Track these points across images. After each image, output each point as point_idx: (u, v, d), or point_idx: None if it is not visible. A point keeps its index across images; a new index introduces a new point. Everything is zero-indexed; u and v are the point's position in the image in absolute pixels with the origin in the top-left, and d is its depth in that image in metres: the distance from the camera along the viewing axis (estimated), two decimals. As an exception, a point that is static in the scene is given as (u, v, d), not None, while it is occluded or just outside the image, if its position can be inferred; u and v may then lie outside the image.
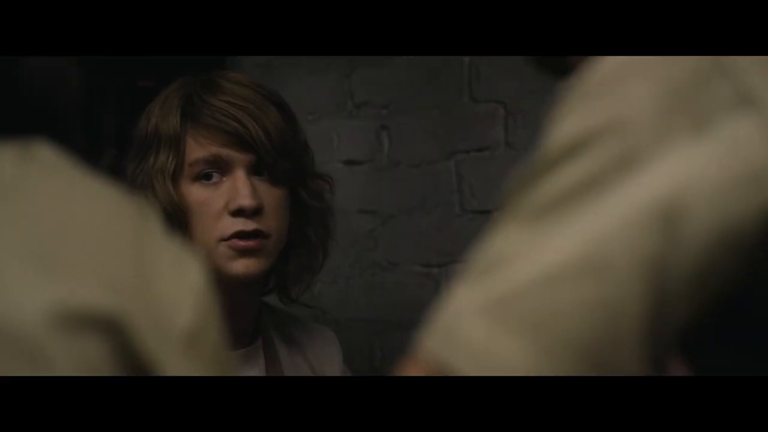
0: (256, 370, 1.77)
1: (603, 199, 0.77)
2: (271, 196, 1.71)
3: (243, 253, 1.68)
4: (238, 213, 1.67)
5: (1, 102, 0.91)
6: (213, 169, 1.70)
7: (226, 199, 1.68)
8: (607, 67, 0.81)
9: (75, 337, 0.83)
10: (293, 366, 1.81)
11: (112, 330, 0.83)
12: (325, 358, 1.85)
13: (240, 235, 1.67)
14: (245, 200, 1.67)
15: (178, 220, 1.66)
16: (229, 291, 1.63)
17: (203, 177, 1.70)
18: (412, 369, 0.80)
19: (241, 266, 1.68)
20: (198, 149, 1.70)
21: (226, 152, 1.69)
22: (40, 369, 0.82)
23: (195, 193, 1.70)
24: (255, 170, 1.70)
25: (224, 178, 1.70)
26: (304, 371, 1.81)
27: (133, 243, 0.87)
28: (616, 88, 0.79)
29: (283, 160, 1.70)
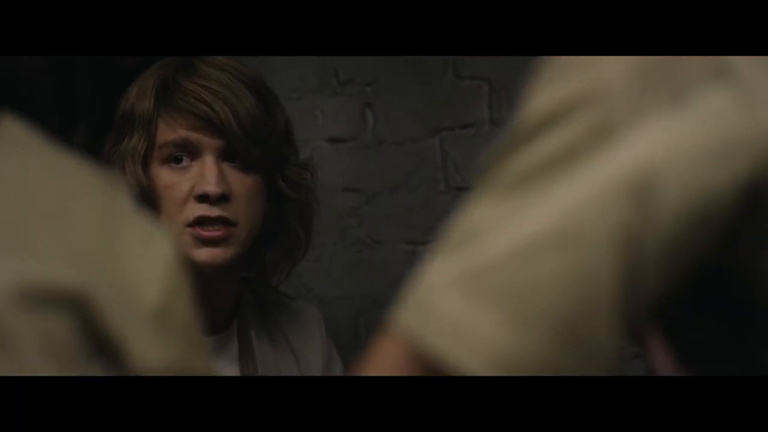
0: (228, 355, 1.75)
1: (577, 171, 0.76)
2: (241, 183, 1.68)
3: (206, 242, 1.66)
4: (203, 199, 1.65)
5: None
6: (182, 153, 1.67)
7: (193, 183, 1.66)
8: (584, 40, 0.81)
9: (39, 314, 0.81)
10: (271, 349, 1.79)
11: (77, 306, 0.82)
12: (305, 336, 1.83)
13: (202, 221, 1.65)
14: (210, 186, 1.64)
15: (147, 203, 1.65)
16: (199, 278, 1.61)
17: (172, 160, 1.68)
18: (386, 344, 0.80)
19: (204, 255, 1.66)
20: (168, 132, 1.68)
21: (195, 136, 1.66)
22: (4, 348, 0.81)
23: (163, 176, 1.68)
24: (226, 156, 1.68)
25: (193, 163, 1.67)
26: (283, 352, 1.80)
27: (100, 218, 0.86)
28: (592, 61, 0.79)
29: (255, 147, 1.67)
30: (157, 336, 0.86)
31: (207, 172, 1.65)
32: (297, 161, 1.78)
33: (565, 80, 0.79)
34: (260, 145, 1.68)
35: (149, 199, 1.66)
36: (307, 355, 1.82)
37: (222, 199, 1.65)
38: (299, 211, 1.76)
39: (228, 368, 1.74)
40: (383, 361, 0.80)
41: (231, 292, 1.76)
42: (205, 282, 1.65)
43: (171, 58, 1.73)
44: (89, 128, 1.62)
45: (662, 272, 0.77)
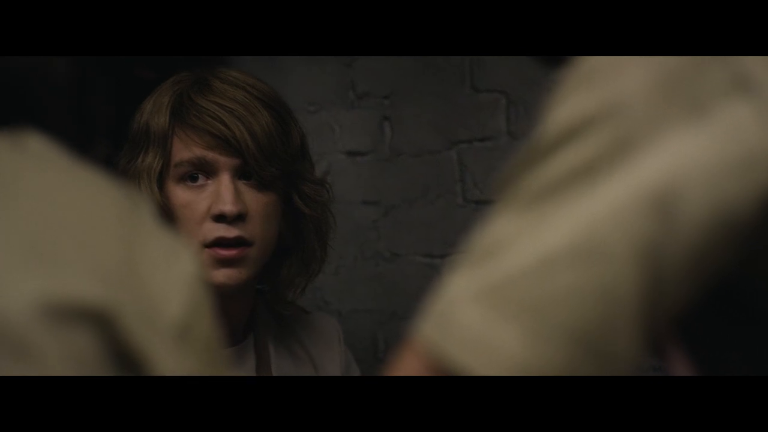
0: (245, 368, 1.75)
1: (598, 185, 0.76)
2: (257, 201, 1.68)
3: (224, 262, 1.65)
4: (220, 218, 1.65)
5: None
6: (198, 172, 1.67)
7: (209, 203, 1.66)
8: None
9: (63, 330, 0.82)
10: (289, 360, 1.79)
11: (101, 321, 0.82)
12: (324, 347, 1.83)
13: (221, 242, 1.65)
14: (226, 206, 1.64)
15: (163, 221, 1.64)
16: (215, 296, 1.59)
17: (188, 179, 1.67)
18: (408, 357, 0.80)
19: (221, 276, 1.66)
20: (183, 150, 1.67)
21: (211, 155, 1.66)
22: (28, 363, 0.81)
23: (179, 194, 1.67)
24: (242, 174, 1.68)
25: (209, 181, 1.67)
26: (302, 363, 1.80)
27: (123, 234, 0.86)
28: (612, 74, 0.79)
29: (270, 165, 1.67)
30: (180, 351, 0.86)
31: (223, 192, 1.65)
32: (313, 177, 1.77)
33: (585, 94, 0.79)
34: (276, 163, 1.67)
35: (164, 217, 1.65)
36: (326, 365, 1.82)
37: (239, 218, 1.65)
38: (315, 227, 1.76)
39: (245, 381, 1.74)
40: (405, 373, 0.80)
41: (246, 306, 1.76)
42: (221, 301, 1.64)
43: (185, 74, 1.73)
44: (109, 143, 1.61)
45: (684, 285, 0.77)
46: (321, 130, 2.70)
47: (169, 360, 0.85)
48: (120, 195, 0.89)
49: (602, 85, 0.79)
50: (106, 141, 0.98)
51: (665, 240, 0.76)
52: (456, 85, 2.58)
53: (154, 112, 1.69)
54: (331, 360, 1.82)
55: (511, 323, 0.76)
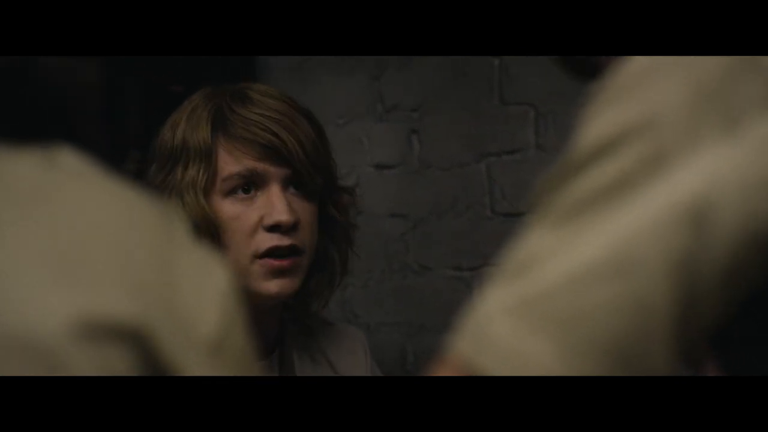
0: None
1: (633, 199, 0.76)
2: (304, 210, 1.68)
3: (278, 273, 1.65)
4: (274, 228, 1.64)
5: (22, 105, 0.90)
6: (248, 184, 1.66)
7: (261, 214, 1.65)
8: (636, 67, 0.81)
9: (98, 347, 0.81)
10: (314, 373, 1.79)
11: (136, 339, 0.82)
12: (350, 360, 1.83)
13: (274, 252, 1.65)
14: (282, 215, 1.64)
15: (211, 235, 1.64)
16: (252, 308, 1.59)
17: (237, 191, 1.66)
18: (442, 370, 0.80)
19: (275, 286, 1.65)
20: (232, 163, 1.66)
21: (262, 166, 1.65)
22: None
23: (228, 207, 1.66)
24: (289, 184, 1.67)
25: (258, 193, 1.66)
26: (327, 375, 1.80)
27: (157, 249, 0.86)
28: (646, 88, 0.79)
29: (317, 173, 1.68)
30: (214, 366, 0.86)
31: (276, 202, 1.65)
32: (342, 186, 1.78)
33: (620, 107, 0.79)
34: (321, 172, 1.69)
35: (213, 231, 1.65)
36: (351, 375, 1.82)
37: (293, 227, 1.65)
38: (344, 236, 1.77)
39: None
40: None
41: (277, 319, 1.76)
42: (255, 313, 1.64)
43: (211, 88, 1.72)
44: (141, 156, 1.60)
45: (718, 298, 0.77)
46: (350, 143, 2.71)
47: (203, 375, 0.85)
48: (153, 209, 0.89)
49: (636, 98, 0.79)
50: (138, 155, 0.98)
51: (700, 253, 0.75)
52: (484, 97, 2.58)
53: (192, 126, 1.67)
54: (357, 373, 1.82)
55: (547, 338, 0.76)
